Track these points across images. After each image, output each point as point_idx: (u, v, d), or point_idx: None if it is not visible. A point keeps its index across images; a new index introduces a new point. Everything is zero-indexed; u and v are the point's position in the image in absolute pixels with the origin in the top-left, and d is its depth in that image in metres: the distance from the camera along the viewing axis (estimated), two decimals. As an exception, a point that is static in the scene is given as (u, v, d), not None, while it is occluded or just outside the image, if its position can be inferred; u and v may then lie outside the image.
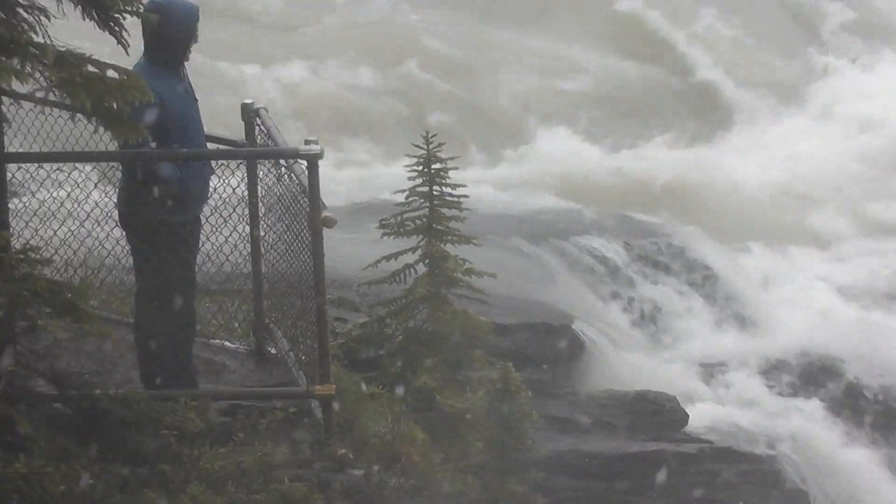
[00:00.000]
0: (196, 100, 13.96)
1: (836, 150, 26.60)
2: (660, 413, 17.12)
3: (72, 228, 13.76)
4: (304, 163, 13.67)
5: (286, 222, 14.10)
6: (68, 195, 13.61)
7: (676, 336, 18.76)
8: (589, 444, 16.31)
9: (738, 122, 28.71)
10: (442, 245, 15.69)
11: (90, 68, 11.81)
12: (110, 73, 11.88)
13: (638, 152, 24.19)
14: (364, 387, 14.75)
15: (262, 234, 14.51)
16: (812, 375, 18.69)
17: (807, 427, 17.98)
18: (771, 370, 18.58)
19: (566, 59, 31.85)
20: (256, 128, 14.70)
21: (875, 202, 24.26)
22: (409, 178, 15.75)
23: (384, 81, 29.72)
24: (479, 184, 20.27)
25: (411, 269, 15.75)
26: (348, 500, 13.42)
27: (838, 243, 22.41)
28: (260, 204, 14.44)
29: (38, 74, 11.74)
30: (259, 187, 14.45)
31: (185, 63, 13.89)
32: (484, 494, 14.73)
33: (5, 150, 12.96)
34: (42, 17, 11.80)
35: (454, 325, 15.71)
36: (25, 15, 11.71)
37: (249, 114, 14.82)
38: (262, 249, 14.50)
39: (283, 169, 14.05)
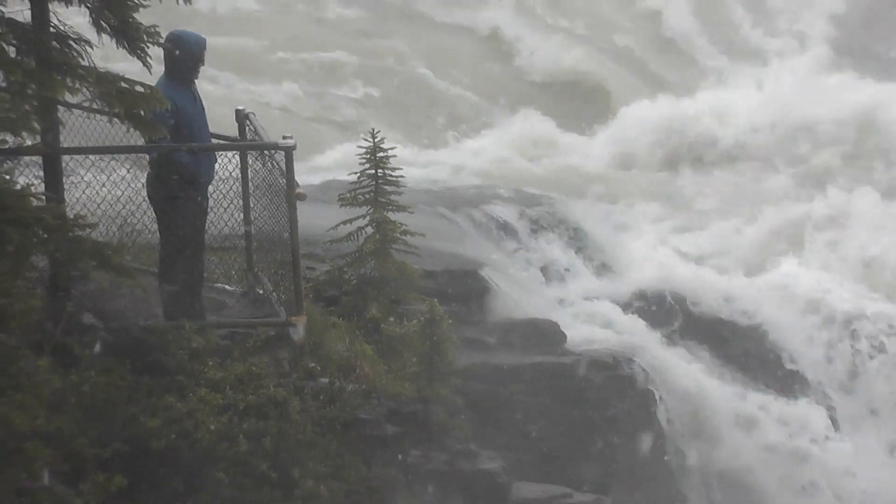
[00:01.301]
0: (203, 107, 13.88)
1: None
2: (545, 335, 17.10)
3: (111, 202, 13.62)
4: (283, 152, 13.69)
5: (269, 197, 14.10)
6: (108, 178, 13.45)
7: (557, 278, 18.78)
8: (493, 358, 16.26)
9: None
10: (384, 213, 15.66)
11: (122, 84, 11.81)
12: (138, 87, 11.86)
13: (525, 142, 23.85)
14: (328, 318, 14.71)
15: (251, 205, 14.42)
16: (657, 307, 18.77)
17: (653, 344, 18.06)
18: (626, 303, 18.68)
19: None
20: (247, 127, 14.66)
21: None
22: (360, 164, 15.68)
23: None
24: (412, 165, 20.18)
25: (362, 231, 15.70)
26: (317, 401, 13.42)
27: (679, 212, 22.19)
28: (250, 184, 14.41)
29: (84, 89, 11.72)
30: (249, 171, 14.41)
31: (196, 80, 13.82)
32: (416, 396, 14.69)
33: (61, 145, 12.91)
34: (87, 47, 11.77)
35: (394, 271, 15.68)
36: (75, 45, 11.68)
37: (241, 117, 14.83)
38: (252, 217, 14.45)
39: (266, 157, 14.04)
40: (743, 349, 18.68)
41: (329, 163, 22.85)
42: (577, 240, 19.38)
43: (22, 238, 10.51)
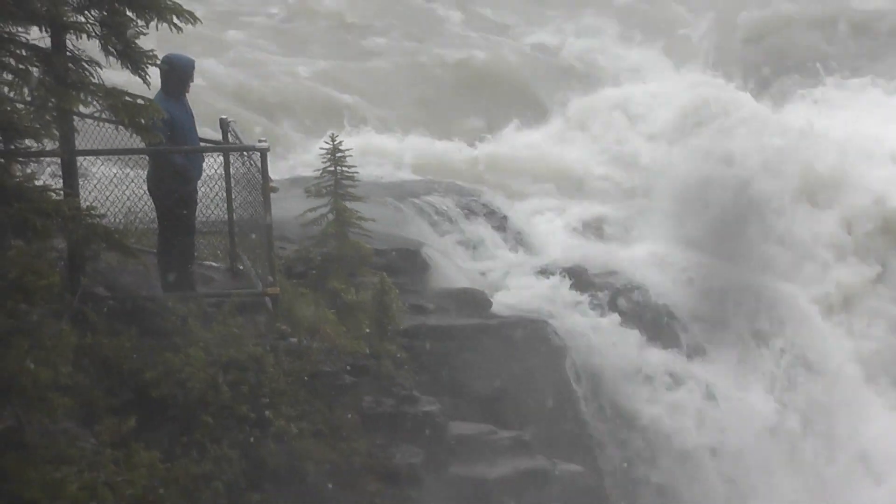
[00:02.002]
0: (193, 116, 13.84)
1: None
2: (474, 301, 16.97)
3: (117, 195, 13.69)
4: (259, 153, 13.65)
5: (248, 189, 14.02)
6: (115, 175, 13.57)
7: (484, 255, 18.52)
8: (432, 320, 16.12)
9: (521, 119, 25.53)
10: (343, 202, 15.51)
11: (127, 98, 11.80)
12: (139, 100, 11.85)
13: (461, 141, 23.44)
14: (297, 289, 14.70)
15: (233, 196, 14.35)
16: (565, 277, 18.10)
17: (562, 308, 17.71)
18: (541, 274, 18.22)
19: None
20: (229, 133, 14.61)
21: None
22: (322, 163, 15.56)
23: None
24: (366, 157, 19.97)
25: (325, 217, 15.55)
26: (287, 357, 13.43)
27: (583, 198, 21.87)
28: (232, 179, 14.31)
29: (95, 102, 11.71)
30: (231, 168, 14.31)
31: (187, 94, 13.78)
32: (369, 352, 14.60)
33: (76, 149, 12.88)
34: (97, 67, 11.70)
35: (351, 250, 15.54)
36: (87, 66, 11.62)
37: (224, 125, 14.77)
38: (234, 206, 14.35)
39: (245, 157, 13.99)
40: (639, 313, 18.15)
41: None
42: (500, 223, 19.10)
43: (43, 225, 10.51)
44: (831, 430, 18.49)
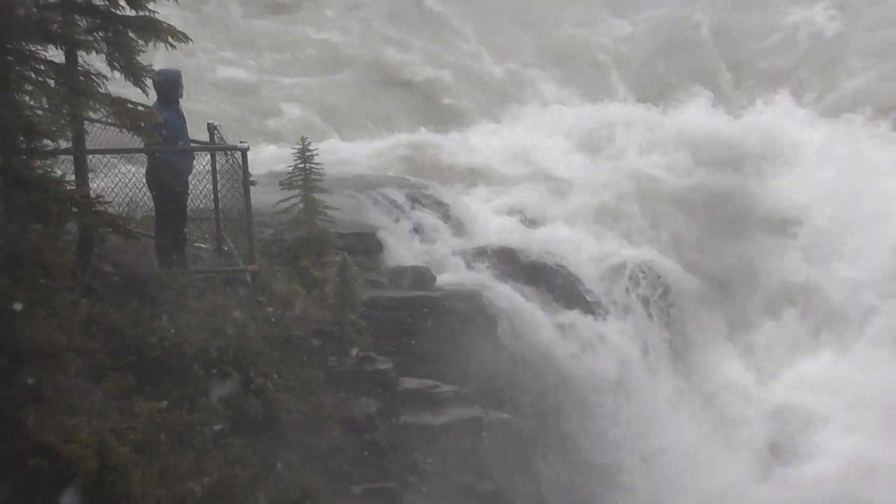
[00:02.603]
0: (185, 121, 13.77)
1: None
2: (421, 277, 16.88)
3: (121, 187, 13.61)
4: (240, 152, 13.62)
5: (231, 182, 13.94)
6: (118, 170, 13.45)
7: (429, 238, 18.34)
8: (386, 293, 16.10)
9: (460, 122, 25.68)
10: (311, 193, 15.47)
11: (129, 105, 11.65)
12: (139, 107, 11.72)
13: (412, 139, 22.57)
14: (273, 266, 14.61)
15: (219, 188, 14.21)
16: (497, 257, 18.22)
17: (494, 282, 17.70)
18: (476, 254, 18.20)
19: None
20: (216, 135, 14.56)
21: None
22: (294, 160, 15.49)
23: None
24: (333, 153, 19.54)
25: (296, 206, 15.47)
26: (265, 324, 13.41)
27: (512, 190, 21.46)
28: (218, 174, 14.19)
29: (102, 109, 11.62)
30: (217, 165, 14.18)
31: (180, 100, 13.69)
32: (333, 319, 14.53)
33: (86, 147, 12.85)
34: (104, 79, 11.57)
35: (317, 234, 15.48)
36: (95, 78, 11.49)
37: (211, 128, 14.69)
38: (219, 196, 14.21)
39: (229, 155, 13.92)
40: (555, 284, 18.31)
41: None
42: (444, 213, 18.95)
43: (59, 211, 10.47)
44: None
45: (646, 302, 18.94)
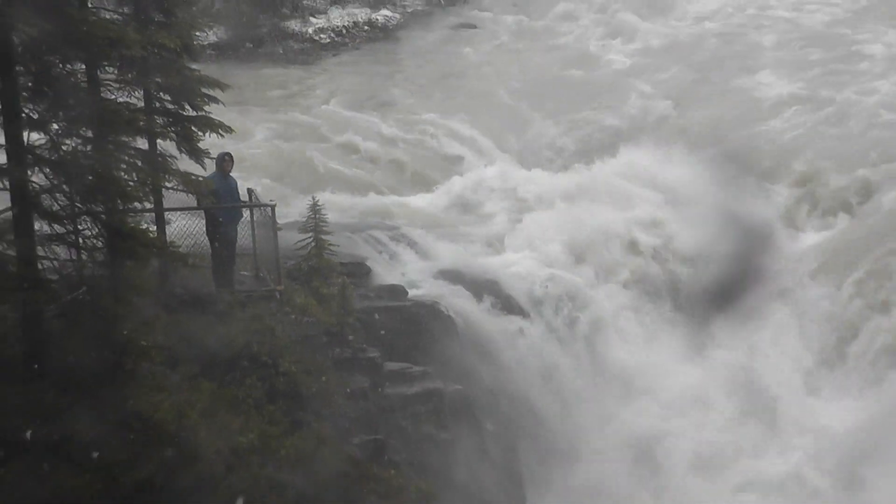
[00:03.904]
0: (235, 185, 13.55)
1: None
2: (397, 292, 16.45)
3: (187, 234, 13.37)
4: (270, 208, 13.58)
5: (265, 229, 13.70)
6: (186, 222, 13.31)
7: (401, 261, 17.61)
8: (373, 304, 15.63)
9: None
10: (320, 235, 15.16)
11: (192, 176, 11.80)
12: (199, 178, 11.86)
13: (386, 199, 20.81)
14: (294, 286, 14.35)
15: (256, 233, 13.82)
16: (453, 275, 17.32)
17: (451, 294, 17.03)
18: (437, 274, 17.36)
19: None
20: (252, 196, 14.34)
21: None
22: (308, 216, 15.13)
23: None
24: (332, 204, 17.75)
25: (309, 244, 15.07)
26: (289, 327, 13.22)
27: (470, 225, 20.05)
28: (255, 223, 13.80)
29: (175, 181, 11.50)
30: (254, 217, 13.81)
31: (230, 171, 13.45)
32: (337, 323, 14.19)
33: (164, 206, 12.74)
34: (175, 159, 11.62)
35: (325, 263, 15.13)
36: (168, 159, 11.53)
37: (249, 192, 14.29)
38: (256, 238, 13.87)
39: (262, 210, 13.73)
40: (503, 294, 17.35)
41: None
42: (413, 245, 18.20)
43: (145, 252, 10.63)
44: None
45: (560, 309, 18.30)
